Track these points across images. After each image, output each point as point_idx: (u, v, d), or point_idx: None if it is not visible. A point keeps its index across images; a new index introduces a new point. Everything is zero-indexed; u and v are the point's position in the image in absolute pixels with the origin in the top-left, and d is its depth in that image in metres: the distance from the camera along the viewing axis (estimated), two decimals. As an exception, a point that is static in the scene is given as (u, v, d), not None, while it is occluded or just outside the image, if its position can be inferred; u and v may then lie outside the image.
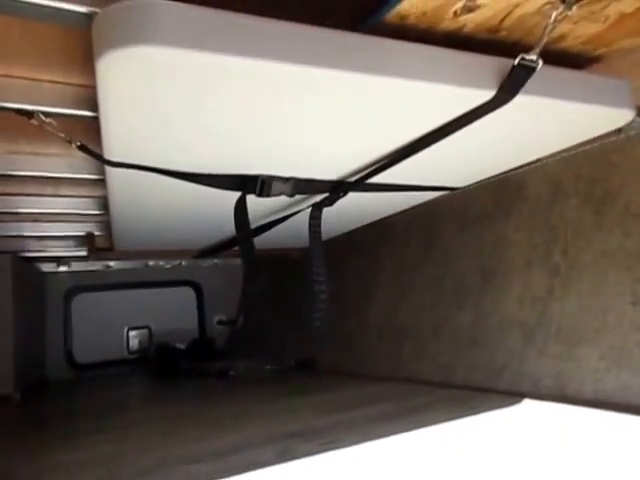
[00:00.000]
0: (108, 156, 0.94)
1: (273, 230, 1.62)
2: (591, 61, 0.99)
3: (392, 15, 0.73)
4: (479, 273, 1.64)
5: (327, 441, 1.08)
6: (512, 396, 1.34)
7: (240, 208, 1.09)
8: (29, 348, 2.55)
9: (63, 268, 2.77)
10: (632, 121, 1.26)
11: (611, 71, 1.00)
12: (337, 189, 1.23)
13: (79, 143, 0.96)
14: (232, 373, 2.30)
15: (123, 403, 2.02)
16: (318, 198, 1.29)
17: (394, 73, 0.73)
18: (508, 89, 0.81)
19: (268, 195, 1.13)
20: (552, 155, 1.39)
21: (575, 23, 0.83)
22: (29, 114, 0.91)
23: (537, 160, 1.42)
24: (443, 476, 0.88)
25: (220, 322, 3.29)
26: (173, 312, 3.27)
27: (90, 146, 0.97)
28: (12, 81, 0.87)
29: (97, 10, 0.65)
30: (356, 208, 1.58)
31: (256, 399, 1.71)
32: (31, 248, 2.25)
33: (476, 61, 0.80)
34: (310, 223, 1.26)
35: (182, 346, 2.74)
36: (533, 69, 0.79)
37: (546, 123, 1.01)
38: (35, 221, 1.78)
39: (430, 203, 1.74)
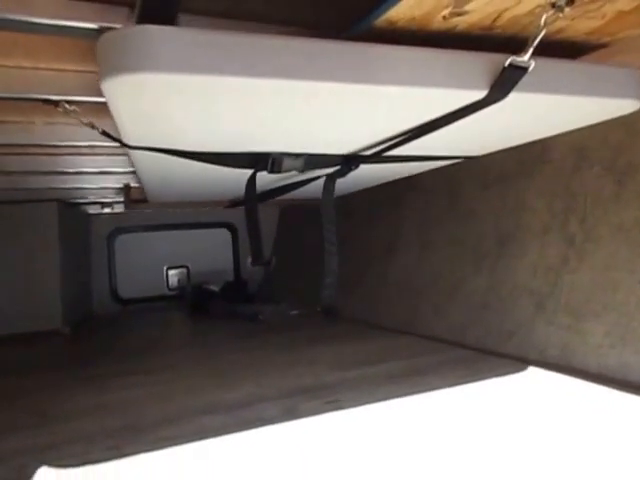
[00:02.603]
0: (126, 141, 1.00)
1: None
2: (598, 47, 0.95)
3: (381, 21, 0.73)
4: (497, 237, 1.65)
5: (331, 400, 1.17)
6: (518, 362, 1.39)
7: (250, 185, 1.13)
8: (76, 285, 2.75)
9: (106, 210, 2.91)
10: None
11: (621, 54, 0.96)
12: (349, 163, 1.25)
13: (101, 130, 1.01)
14: (261, 317, 2.43)
15: (158, 342, 2.18)
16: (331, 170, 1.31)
17: (382, 81, 0.74)
18: (500, 88, 0.80)
19: (279, 172, 1.17)
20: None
21: (572, 20, 0.80)
22: (55, 103, 0.97)
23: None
24: (441, 441, 0.94)
25: (253, 263, 3.41)
26: (210, 253, 3.41)
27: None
28: (39, 73, 0.92)
29: (106, 25, 0.69)
30: (376, 171, 1.59)
31: (276, 347, 1.82)
32: (75, 196, 2.39)
33: (467, 60, 0.79)
34: (323, 195, 1.29)
35: (216, 288, 2.88)
36: (525, 69, 0.78)
37: (549, 112, 1.00)
38: (77, 174, 1.89)
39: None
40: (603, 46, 0.93)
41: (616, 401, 1.09)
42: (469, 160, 1.67)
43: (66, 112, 0.98)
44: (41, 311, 2.35)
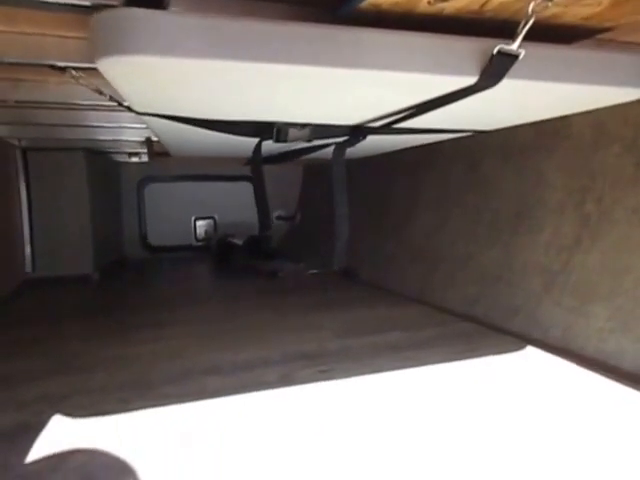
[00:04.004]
0: (133, 107, 1.01)
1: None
2: (601, 31, 0.88)
3: (366, 4, 0.70)
4: (514, 210, 1.62)
5: (325, 369, 1.21)
6: (519, 341, 1.39)
7: (256, 154, 1.13)
8: (107, 232, 2.85)
9: (134, 159, 2.97)
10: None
11: (628, 36, 0.90)
12: (356, 134, 1.23)
13: (108, 95, 1.02)
14: (280, 275, 2.47)
15: (180, 295, 2.26)
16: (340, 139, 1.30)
17: (368, 65, 0.72)
18: (490, 75, 0.76)
19: (285, 141, 1.17)
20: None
21: (566, 7, 0.75)
22: (62, 69, 0.98)
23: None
24: (421, 417, 0.97)
25: (279, 217, 3.45)
26: (236, 206, 3.45)
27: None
28: (46, 39, 0.93)
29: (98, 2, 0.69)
30: (392, 139, 1.56)
31: (289, 309, 1.86)
32: (102, 147, 2.45)
33: (457, 45, 0.75)
34: (333, 163, 1.28)
35: (240, 241, 2.92)
36: (516, 56, 0.74)
37: (547, 98, 0.95)
38: (100, 127, 1.93)
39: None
40: (607, 30, 0.86)
41: (604, 389, 1.08)
42: (490, 133, 1.62)
43: (74, 78, 1.00)
44: (73, 255, 2.45)
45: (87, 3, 0.75)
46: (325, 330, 1.54)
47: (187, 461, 0.82)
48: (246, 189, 3.51)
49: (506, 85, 0.83)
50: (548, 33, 0.83)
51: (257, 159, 1.13)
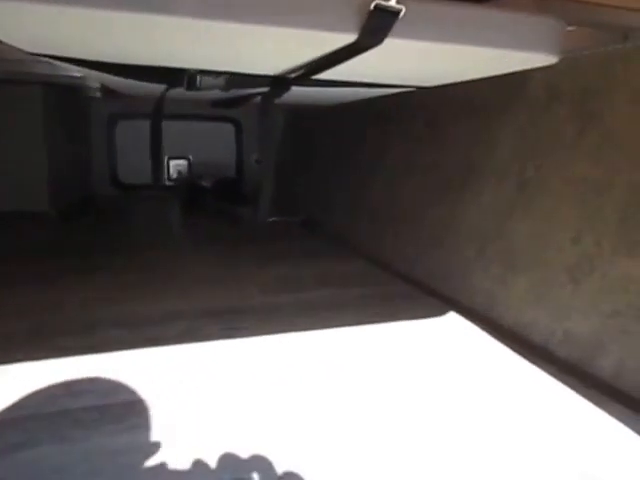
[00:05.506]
0: (24, 48, 0.94)
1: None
2: None
3: None
4: (464, 170, 1.56)
5: (235, 327, 1.20)
6: (443, 306, 1.37)
7: (159, 102, 1.07)
8: (70, 169, 2.80)
9: (99, 94, 2.87)
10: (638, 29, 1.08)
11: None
12: (279, 84, 1.16)
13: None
14: (240, 221, 2.44)
15: (133, 239, 2.24)
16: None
17: (242, 19, 0.66)
18: (371, 33, 0.70)
19: (198, 89, 1.10)
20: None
21: None
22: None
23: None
24: (320, 380, 0.96)
25: (258, 161, 3.39)
26: (213, 147, 3.38)
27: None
28: None
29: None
30: (335, 91, 1.49)
31: (228, 260, 1.84)
32: (69, 82, 2.35)
33: (336, 0, 0.69)
34: (259, 114, 1.23)
35: (208, 184, 2.88)
36: (396, 13, 0.67)
37: (443, 60, 0.88)
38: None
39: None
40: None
41: (505, 362, 1.07)
42: (450, 87, 1.53)
43: None
44: (28, 191, 2.41)
45: None
46: (256, 286, 1.52)
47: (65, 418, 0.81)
48: (224, 131, 3.44)
49: (399, 44, 0.77)
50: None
51: (159, 108, 1.07)
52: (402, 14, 0.68)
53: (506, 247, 1.32)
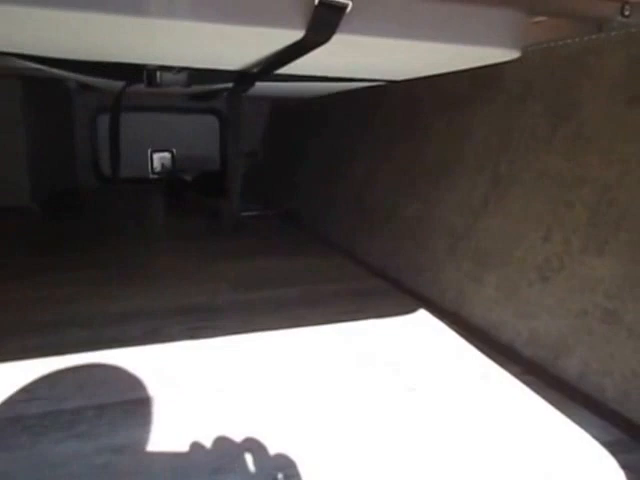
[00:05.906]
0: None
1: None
2: None
3: None
4: (439, 165, 1.55)
5: (199, 326, 1.18)
6: (414, 303, 1.36)
7: (117, 99, 1.05)
8: (53, 163, 2.76)
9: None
10: (613, 20, 1.06)
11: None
12: (243, 80, 1.14)
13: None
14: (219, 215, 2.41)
15: (112, 233, 2.21)
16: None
17: (184, 17, 0.64)
18: (318, 29, 0.67)
19: (158, 86, 1.08)
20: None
21: None
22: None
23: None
24: (281, 380, 0.95)
25: (248, 155, 3.36)
26: (197, 140, 3.35)
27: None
28: None
29: None
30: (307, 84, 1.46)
31: (202, 255, 1.81)
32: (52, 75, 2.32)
33: None
34: (227, 108, 1.20)
35: (189, 178, 2.85)
36: (342, 8, 0.65)
37: (393, 55, 0.86)
38: None
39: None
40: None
41: (469, 362, 1.06)
42: (424, 81, 1.51)
43: None
44: (9, 187, 2.38)
45: None
46: (224, 282, 1.50)
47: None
48: (208, 123, 3.40)
49: (351, 40, 0.74)
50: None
51: (117, 105, 1.05)
52: (349, 9, 0.66)
53: (477, 244, 1.30)
